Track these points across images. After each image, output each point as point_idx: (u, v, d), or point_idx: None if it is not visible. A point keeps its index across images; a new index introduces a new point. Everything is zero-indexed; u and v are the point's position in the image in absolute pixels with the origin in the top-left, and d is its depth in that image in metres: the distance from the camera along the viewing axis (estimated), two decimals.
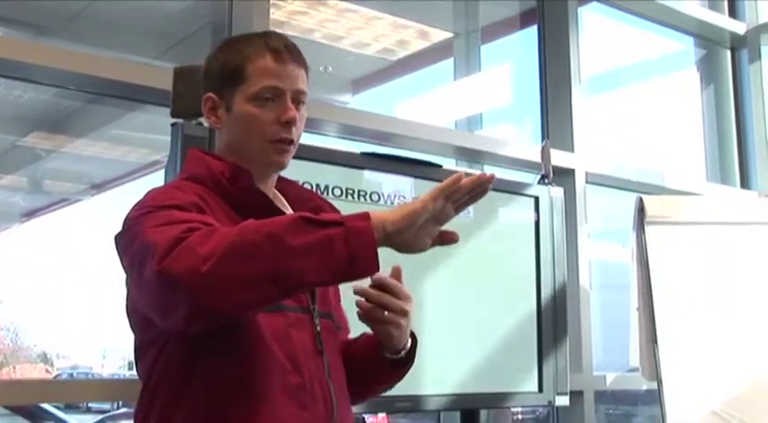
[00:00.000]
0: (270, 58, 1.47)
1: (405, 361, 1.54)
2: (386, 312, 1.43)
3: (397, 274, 1.45)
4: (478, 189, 1.27)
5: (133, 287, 1.34)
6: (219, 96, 1.49)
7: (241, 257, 1.16)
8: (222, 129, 1.51)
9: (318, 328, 1.44)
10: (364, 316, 1.44)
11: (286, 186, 1.60)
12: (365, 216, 1.20)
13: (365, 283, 1.40)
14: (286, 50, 1.48)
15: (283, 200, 1.57)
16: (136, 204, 1.37)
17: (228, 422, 1.31)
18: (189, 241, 1.18)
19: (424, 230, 1.26)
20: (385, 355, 1.52)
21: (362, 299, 1.43)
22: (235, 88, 1.47)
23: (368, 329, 1.50)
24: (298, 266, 1.16)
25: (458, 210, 1.28)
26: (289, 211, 1.53)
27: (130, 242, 1.29)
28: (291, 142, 1.49)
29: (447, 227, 1.31)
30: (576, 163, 3.40)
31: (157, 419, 1.36)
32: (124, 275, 1.39)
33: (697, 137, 4.38)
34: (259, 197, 1.43)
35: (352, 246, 1.17)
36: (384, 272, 1.34)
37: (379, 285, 1.42)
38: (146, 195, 1.40)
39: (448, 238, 1.31)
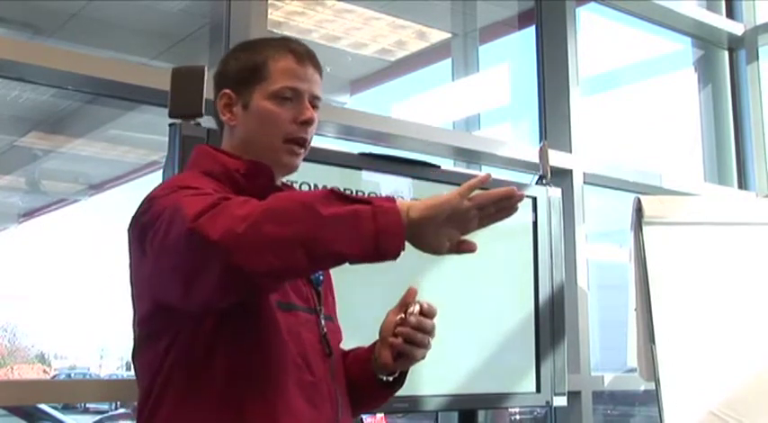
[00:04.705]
0: (292, 58, 1.50)
1: (396, 382, 1.55)
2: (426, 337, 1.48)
3: (412, 294, 1.51)
4: (505, 202, 1.29)
5: (151, 259, 1.30)
6: (236, 93, 1.50)
7: (276, 221, 1.16)
8: (236, 126, 1.51)
9: (324, 329, 1.47)
10: (407, 343, 1.48)
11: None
12: (391, 199, 1.22)
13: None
14: (307, 55, 1.52)
15: None
16: (157, 187, 1.37)
17: (244, 414, 1.32)
18: (226, 204, 1.19)
19: (445, 230, 1.26)
20: (378, 377, 1.53)
21: (407, 329, 1.47)
22: (254, 86, 1.49)
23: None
24: (328, 234, 1.17)
25: (482, 221, 1.28)
26: None
27: (157, 213, 1.27)
28: (305, 143, 1.50)
29: None
30: (573, 163, 3.40)
31: (170, 408, 1.35)
32: (130, 262, 1.39)
33: (695, 137, 4.39)
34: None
35: (380, 222, 1.18)
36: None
37: (422, 312, 1.49)
38: (165, 182, 1.40)
39: (465, 247, 1.32)
